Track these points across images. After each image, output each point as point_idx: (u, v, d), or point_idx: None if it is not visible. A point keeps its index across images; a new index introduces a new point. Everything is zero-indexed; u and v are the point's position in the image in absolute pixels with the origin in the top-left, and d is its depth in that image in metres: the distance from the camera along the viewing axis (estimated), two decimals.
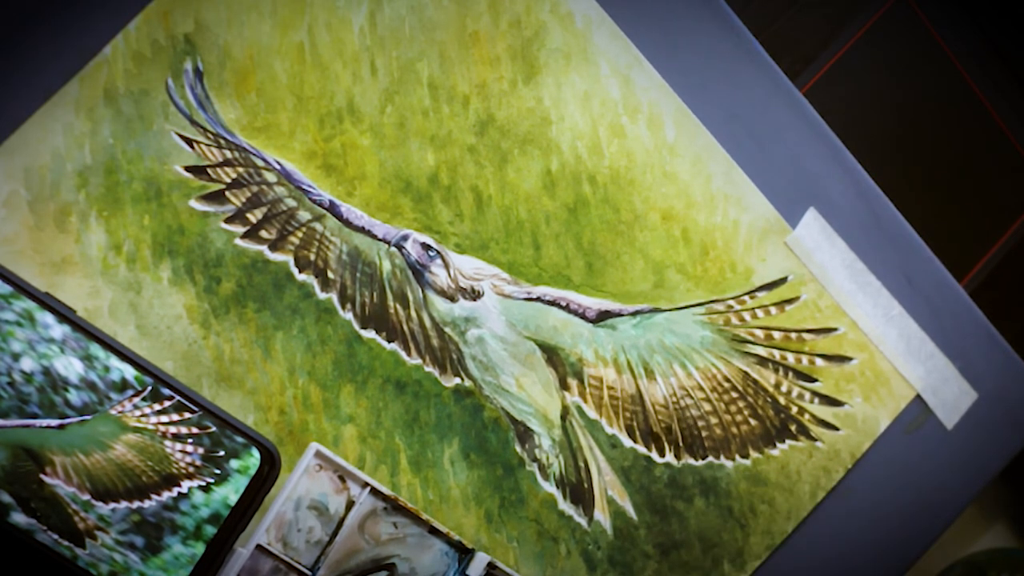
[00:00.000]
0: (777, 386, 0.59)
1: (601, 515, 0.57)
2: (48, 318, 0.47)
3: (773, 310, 0.59)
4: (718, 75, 0.58)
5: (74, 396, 0.47)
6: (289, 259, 0.53)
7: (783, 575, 0.60)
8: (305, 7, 0.53)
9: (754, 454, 0.58)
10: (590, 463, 0.56)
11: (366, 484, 0.51)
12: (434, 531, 0.52)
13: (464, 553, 0.52)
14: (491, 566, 0.52)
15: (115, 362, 0.47)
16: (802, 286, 0.59)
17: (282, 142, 0.53)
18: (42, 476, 0.47)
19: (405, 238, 0.54)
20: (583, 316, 0.56)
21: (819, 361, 0.59)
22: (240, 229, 0.53)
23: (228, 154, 0.52)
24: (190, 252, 0.52)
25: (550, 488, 0.56)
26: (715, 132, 0.58)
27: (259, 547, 0.50)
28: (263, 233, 0.53)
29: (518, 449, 0.56)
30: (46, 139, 0.50)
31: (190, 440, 0.48)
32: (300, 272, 0.53)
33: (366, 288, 0.54)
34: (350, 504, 0.51)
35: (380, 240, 0.54)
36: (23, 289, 0.47)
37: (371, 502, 0.51)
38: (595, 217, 0.56)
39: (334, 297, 0.53)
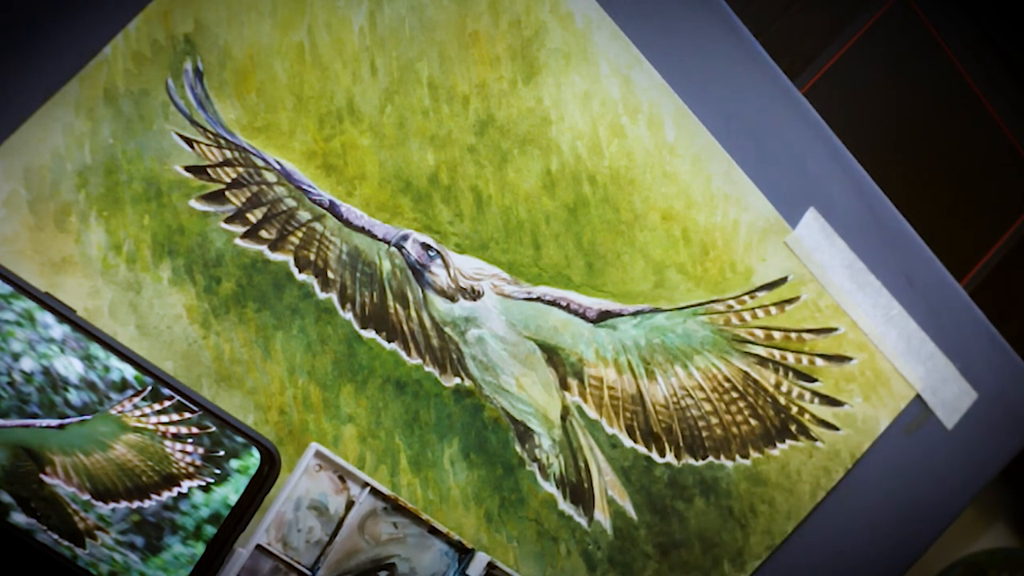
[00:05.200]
0: (777, 386, 0.59)
1: (601, 515, 0.57)
2: (48, 318, 0.47)
3: (773, 310, 0.59)
4: (718, 75, 0.58)
5: (74, 396, 0.47)
6: (289, 259, 0.53)
7: (783, 575, 0.60)
8: (305, 7, 0.53)
9: (754, 454, 0.58)
10: (590, 463, 0.56)
11: (366, 484, 0.51)
12: (434, 531, 0.52)
13: (464, 553, 0.52)
14: (491, 566, 0.52)
15: (115, 362, 0.47)
16: (802, 286, 0.59)
17: (282, 142, 0.53)
18: (42, 476, 0.47)
19: (405, 238, 0.54)
20: (583, 316, 0.56)
21: (819, 361, 0.59)
22: (240, 229, 0.53)
23: (228, 154, 0.52)
24: (190, 252, 0.52)
25: (550, 488, 0.56)
26: (715, 132, 0.58)
27: (259, 547, 0.50)
28: (263, 233, 0.53)
29: (518, 449, 0.56)
30: (46, 139, 0.50)
31: (190, 440, 0.48)
32: (300, 272, 0.53)
33: (366, 288, 0.54)
34: (350, 504, 0.51)
35: (380, 240, 0.54)
36: (23, 289, 0.47)
37: (371, 502, 0.51)
38: (595, 217, 0.56)
39: (334, 297, 0.53)
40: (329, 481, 0.51)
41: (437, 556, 0.52)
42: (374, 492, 0.51)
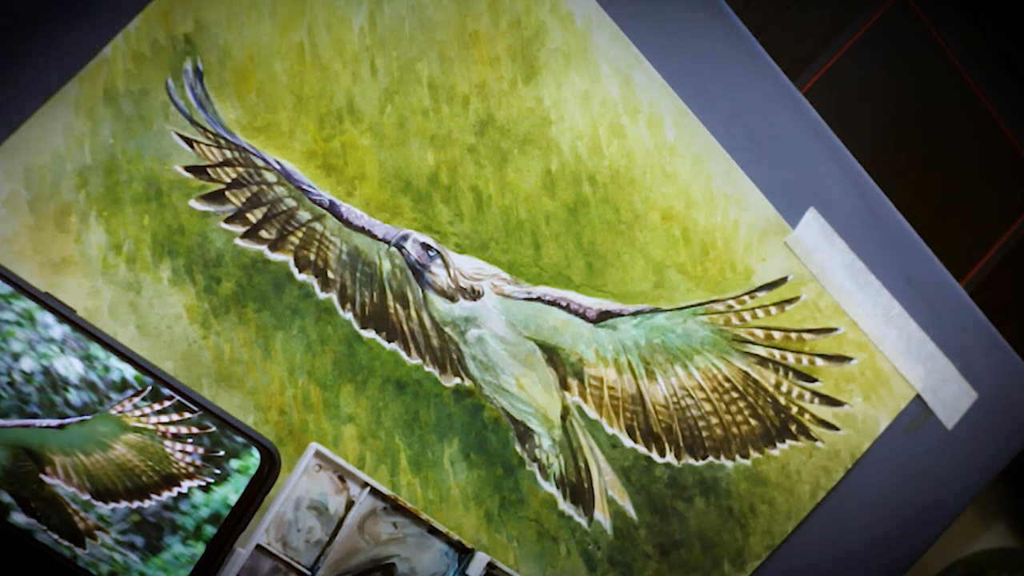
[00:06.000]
0: (777, 386, 0.59)
1: (601, 515, 0.57)
2: (48, 318, 0.47)
3: (773, 310, 0.59)
4: (718, 75, 0.58)
5: (74, 396, 0.47)
6: (289, 259, 0.53)
7: (783, 575, 0.60)
8: (305, 7, 0.53)
9: (754, 454, 0.58)
10: (590, 463, 0.56)
11: (366, 484, 0.51)
12: (434, 531, 0.52)
13: (464, 553, 0.52)
14: (491, 566, 0.52)
15: (115, 362, 0.47)
16: (802, 286, 0.59)
17: (282, 142, 0.53)
18: (42, 476, 0.47)
19: (405, 238, 0.54)
20: (583, 316, 0.56)
21: (819, 361, 0.59)
22: (240, 229, 0.53)
23: (228, 154, 0.52)
24: (190, 252, 0.52)
25: (550, 488, 0.56)
26: (715, 132, 0.58)
27: (259, 547, 0.50)
28: (263, 233, 0.53)
29: (518, 449, 0.56)
30: (46, 139, 0.50)
31: (190, 440, 0.48)
32: (300, 272, 0.53)
33: (366, 288, 0.54)
34: (350, 504, 0.51)
35: (380, 240, 0.54)
36: (23, 289, 0.47)
37: (371, 502, 0.51)
38: (595, 217, 0.56)
39: (334, 297, 0.53)
40: (329, 481, 0.51)
41: (437, 556, 0.52)
42: (374, 492, 0.51)
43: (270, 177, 0.53)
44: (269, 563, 0.50)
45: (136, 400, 0.48)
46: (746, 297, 0.58)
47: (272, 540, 0.50)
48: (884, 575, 0.62)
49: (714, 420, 0.58)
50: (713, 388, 0.58)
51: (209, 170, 0.52)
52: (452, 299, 0.55)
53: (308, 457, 0.50)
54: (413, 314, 0.54)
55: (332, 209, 0.53)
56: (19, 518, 0.47)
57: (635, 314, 0.57)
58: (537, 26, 0.56)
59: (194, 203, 0.52)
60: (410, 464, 0.54)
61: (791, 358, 0.59)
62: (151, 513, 0.48)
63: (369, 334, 0.54)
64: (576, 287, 0.56)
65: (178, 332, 0.52)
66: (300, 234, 0.53)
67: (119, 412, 0.47)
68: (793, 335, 0.59)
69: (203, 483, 0.48)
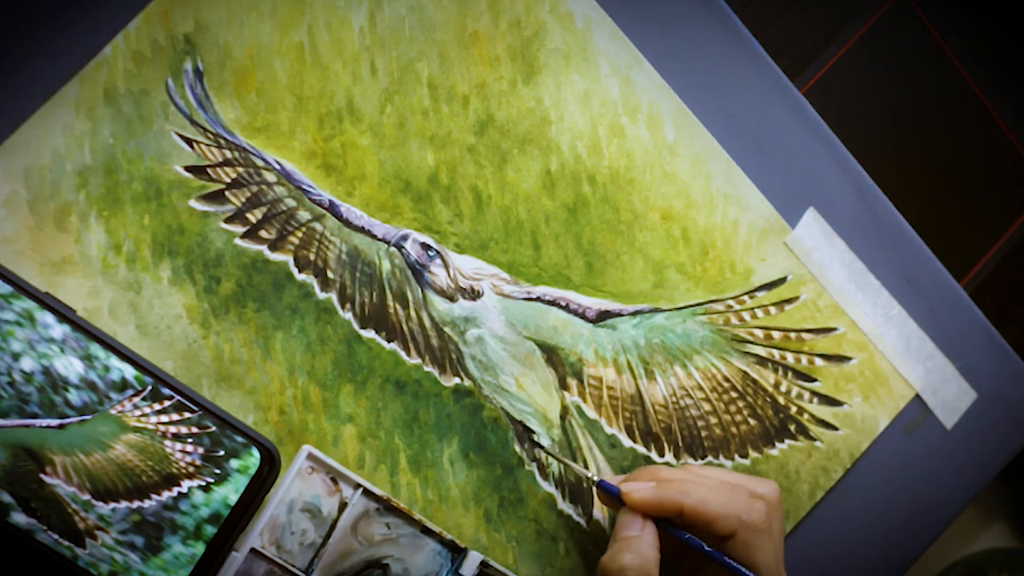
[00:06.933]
0: (776, 386, 0.59)
1: (600, 515, 0.57)
2: (48, 318, 0.47)
3: (772, 310, 0.59)
4: (718, 75, 0.58)
5: (74, 396, 0.47)
6: (289, 259, 0.53)
7: None
8: (305, 7, 0.53)
9: (753, 454, 0.58)
10: (589, 463, 0.57)
11: (358, 485, 0.51)
12: (427, 531, 0.52)
13: (457, 552, 0.52)
14: (484, 565, 0.52)
15: (115, 362, 0.47)
16: (801, 286, 0.59)
17: (282, 142, 0.53)
18: (42, 476, 0.47)
19: (405, 238, 0.54)
20: (583, 316, 0.56)
21: (818, 361, 0.59)
22: (240, 229, 0.53)
23: (228, 154, 0.52)
24: (190, 252, 0.52)
25: (549, 488, 0.56)
26: (715, 132, 0.58)
27: (253, 550, 0.50)
28: (263, 233, 0.53)
29: (517, 449, 0.56)
30: (46, 139, 0.50)
31: (190, 440, 0.48)
32: (300, 272, 0.53)
33: (365, 288, 0.54)
34: (343, 506, 0.51)
35: (380, 240, 0.54)
36: (23, 289, 0.47)
37: (363, 503, 0.51)
38: (595, 217, 0.57)
39: (334, 297, 0.54)
40: (322, 483, 0.51)
41: (430, 556, 0.52)
42: (367, 493, 0.51)
43: (270, 177, 0.53)
44: (264, 567, 0.50)
45: (136, 400, 0.48)
46: (745, 297, 0.58)
47: (266, 543, 0.50)
48: (884, 575, 0.62)
49: (713, 420, 0.58)
50: (712, 388, 0.58)
51: (209, 170, 0.52)
52: (452, 299, 0.55)
53: (301, 460, 0.50)
54: (413, 314, 0.54)
55: (332, 209, 0.53)
56: (19, 518, 0.47)
57: (634, 314, 0.57)
58: (537, 26, 0.56)
59: (194, 203, 0.52)
60: (409, 464, 0.54)
61: (790, 358, 0.59)
62: (151, 513, 0.48)
63: (369, 334, 0.54)
64: (576, 287, 0.56)
65: (178, 332, 0.52)
66: (300, 234, 0.53)
67: (119, 412, 0.48)
68: (792, 335, 0.59)
69: (203, 483, 0.48)
